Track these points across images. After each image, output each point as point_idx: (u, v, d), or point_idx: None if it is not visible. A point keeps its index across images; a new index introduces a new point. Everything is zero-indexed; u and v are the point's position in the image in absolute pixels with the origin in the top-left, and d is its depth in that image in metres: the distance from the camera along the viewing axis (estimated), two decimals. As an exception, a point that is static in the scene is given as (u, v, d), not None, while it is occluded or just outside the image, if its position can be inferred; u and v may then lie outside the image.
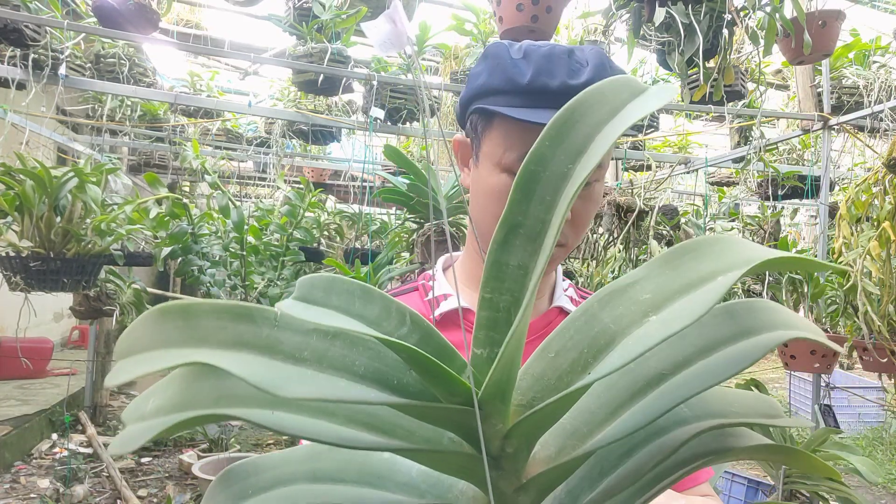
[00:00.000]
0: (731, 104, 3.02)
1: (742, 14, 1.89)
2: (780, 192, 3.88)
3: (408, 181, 2.33)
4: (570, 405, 0.34)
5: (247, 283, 2.43)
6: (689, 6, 1.79)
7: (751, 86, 3.62)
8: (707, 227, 3.79)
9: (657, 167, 4.34)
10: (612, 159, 4.47)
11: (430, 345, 0.33)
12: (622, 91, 0.35)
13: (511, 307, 0.34)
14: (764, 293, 2.75)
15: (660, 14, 1.77)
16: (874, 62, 3.75)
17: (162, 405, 0.31)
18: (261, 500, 0.34)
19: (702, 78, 1.97)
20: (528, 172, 0.34)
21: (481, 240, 0.80)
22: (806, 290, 2.66)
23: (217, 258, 2.47)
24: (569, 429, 0.35)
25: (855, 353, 2.67)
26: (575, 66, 0.71)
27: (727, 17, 1.82)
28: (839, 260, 2.34)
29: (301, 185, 2.86)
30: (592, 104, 0.34)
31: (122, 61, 3.83)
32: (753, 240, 3.26)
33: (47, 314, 5.99)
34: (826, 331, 2.65)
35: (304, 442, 0.41)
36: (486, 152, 0.76)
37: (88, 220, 2.27)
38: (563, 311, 0.85)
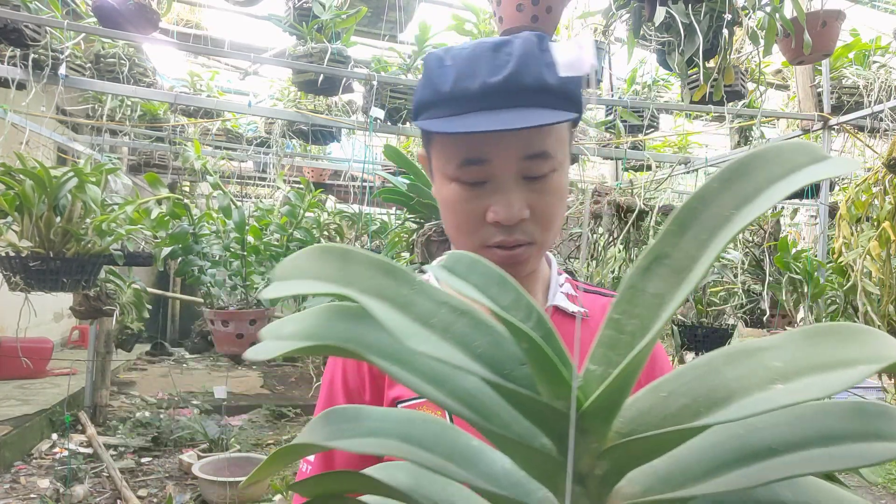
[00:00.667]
0: (731, 104, 3.02)
1: (742, 14, 1.89)
2: (780, 192, 3.87)
3: (408, 181, 2.33)
4: (673, 446, 0.33)
5: (247, 283, 2.43)
6: (689, 6, 1.79)
7: (751, 86, 3.62)
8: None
9: (657, 167, 4.34)
10: (612, 159, 4.47)
11: (549, 344, 0.34)
12: (801, 154, 0.35)
13: (636, 332, 0.35)
14: (764, 292, 2.76)
15: (660, 14, 1.77)
16: (874, 62, 3.75)
17: (298, 331, 0.35)
18: (356, 442, 0.37)
19: (702, 78, 1.97)
20: (688, 208, 0.34)
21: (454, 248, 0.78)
22: (806, 290, 2.66)
23: (217, 258, 2.47)
24: (661, 473, 0.35)
25: (866, 326, 2.66)
26: (500, 62, 0.68)
27: (727, 17, 1.82)
28: (839, 260, 2.34)
29: (301, 185, 2.86)
30: (770, 159, 0.35)
31: (122, 61, 3.83)
32: (753, 240, 3.26)
33: (47, 314, 5.99)
34: (826, 331, 2.64)
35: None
36: (436, 166, 0.76)
37: (88, 220, 2.27)
38: (558, 311, 0.82)
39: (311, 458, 0.82)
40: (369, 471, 0.38)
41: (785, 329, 2.77)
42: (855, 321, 2.53)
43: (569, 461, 0.32)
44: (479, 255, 0.36)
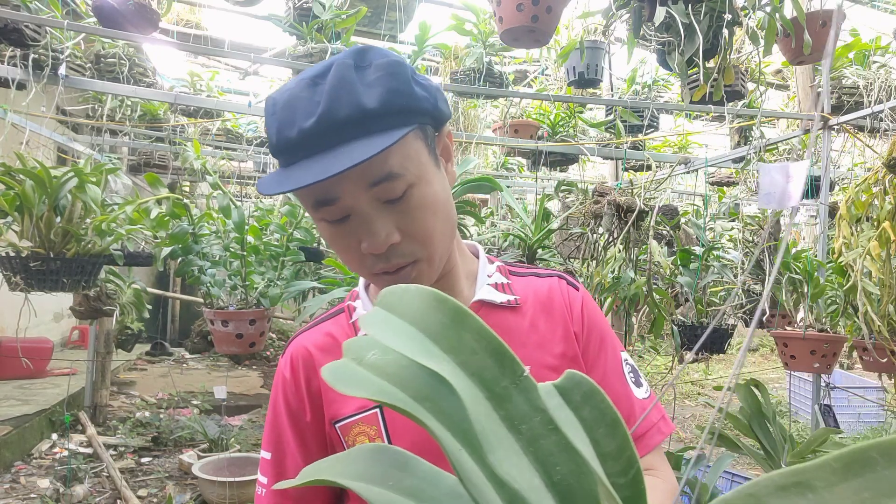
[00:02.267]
0: (731, 104, 3.02)
1: (742, 14, 1.89)
2: (780, 192, 3.87)
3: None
4: None
5: (247, 283, 2.43)
6: (689, 6, 1.79)
7: (751, 86, 3.62)
8: (707, 227, 3.79)
9: (657, 167, 4.34)
10: (612, 159, 4.47)
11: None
12: None
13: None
14: (764, 292, 2.75)
15: (660, 14, 1.77)
16: (874, 62, 3.75)
17: (379, 365, 0.33)
18: (395, 499, 0.34)
19: (702, 78, 1.97)
20: (864, 453, 0.25)
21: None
22: (806, 290, 2.66)
23: (217, 258, 2.46)
24: None
25: (855, 353, 2.67)
26: (314, 101, 0.64)
27: (727, 17, 1.82)
28: (839, 260, 2.34)
29: (301, 185, 2.86)
30: None
31: (122, 61, 3.83)
32: (753, 240, 3.26)
33: (47, 314, 5.99)
34: (826, 331, 2.64)
35: None
36: (298, 196, 0.72)
37: (88, 220, 2.27)
38: (485, 304, 0.80)
39: (265, 479, 0.81)
40: None
41: (785, 329, 2.77)
42: (855, 321, 2.53)
43: None
44: (598, 387, 0.32)
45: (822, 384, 3.13)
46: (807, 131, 3.31)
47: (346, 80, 0.64)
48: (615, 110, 3.97)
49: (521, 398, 0.32)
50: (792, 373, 4.89)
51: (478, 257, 0.87)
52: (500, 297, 0.81)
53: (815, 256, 2.88)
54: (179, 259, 2.42)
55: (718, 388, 5.08)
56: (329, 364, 0.32)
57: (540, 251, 2.58)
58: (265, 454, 0.82)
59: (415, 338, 0.32)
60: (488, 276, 0.84)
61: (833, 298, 2.75)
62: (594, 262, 2.53)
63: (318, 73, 0.66)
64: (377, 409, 0.76)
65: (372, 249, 0.68)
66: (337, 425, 0.78)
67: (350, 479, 0.34)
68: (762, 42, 1.93)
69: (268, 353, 7.54)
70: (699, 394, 7.22)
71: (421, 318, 0.33)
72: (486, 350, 0.32)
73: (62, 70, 2.94)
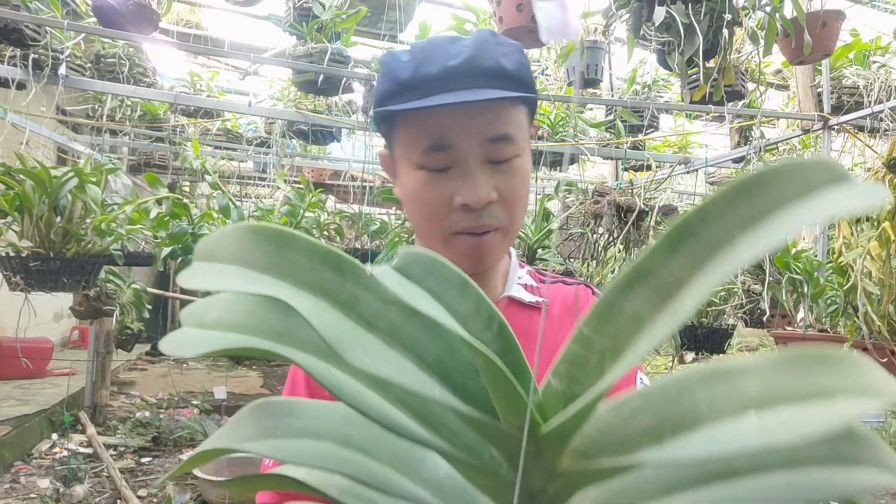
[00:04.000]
0: (731, 104, 3.02)
1: (742, 14, 1.89)
2: (780, 192, 3.87)
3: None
4: (629, 471, 0.31)
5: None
6: (689, 6, 1.79)
7: (751, 86, 3.62)
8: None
9: (657, 167, 4.34)
10: (612, 159, 4.47)
11: (508, 357, 0.32)
12: (821, 172, 0.29)
13: (606, 353, 0.31)
14: (764, 292, 2.75)
15: (660, 14, 1.77)
16: (874, 62, 3.75)
17: (223, 320, 0.31)
18: (287, 444, 0.33)
19: (702, 78, 1.97)
20: (684, 224, 0.30)
21: (420, 244, 0.78)
22: (806, 290, 2.66)
23: (217, 258, 2.46)
24: (615, 489, 0.32)
25: (855, 354, 2.65)
26: (456, 49, 0.70)
27: (727, 17, 1.81)
28: (839, 260, 2.34)
29: (301, 185, 2.86)
30: (784, 175, 0.29)
31: (122, 61, 3.83)
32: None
33: (47, 314, 5.99)
34: (826, 331, 2.64)
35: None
36: (399, 156, 0.76)
37: (88, 220, 2.27)
38: (513, 301, 0.82)
39: None
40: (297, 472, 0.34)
41: (785, 329, 2.77)
42: (855, 321, 2.53)
43: (517, 483, 0.29)
44: (439, 255, 0.33)
45: (822, 384, 3.12)
46: (807, 131, 3.31)
47: (487, 41, 0.71)
48: (615, 110, 3.97)
49: (369, 296, 0.31)
50: (792, 373, 4.87)
51: (510, 258, 0.89)
52: (528, 297, 0.83)
53: (815, 256, 2.88)
54: (179, 259, 2.42)
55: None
56: (167, 336, 0.30)
57: (540, 251, 2.58)
58: None
59: (242, 274, 0.30)
60: (519, 277, 0.86)
61: (833, 298, 2.75)
62: (594, 262, 2.53)
63: (455, 35, 0.73)
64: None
65: (470, 201, 0.70)
66: None
67: (241, 442, 0.33)
68: (762, 42, 1.93)
69: (268, 353, 7.54)
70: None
71: (242, 255, 0.31)
72: (321, 263, 0.31)
73: (62, 70, 2.94)
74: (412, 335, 0.31)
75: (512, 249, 0.91)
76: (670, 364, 3.57)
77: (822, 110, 3.26)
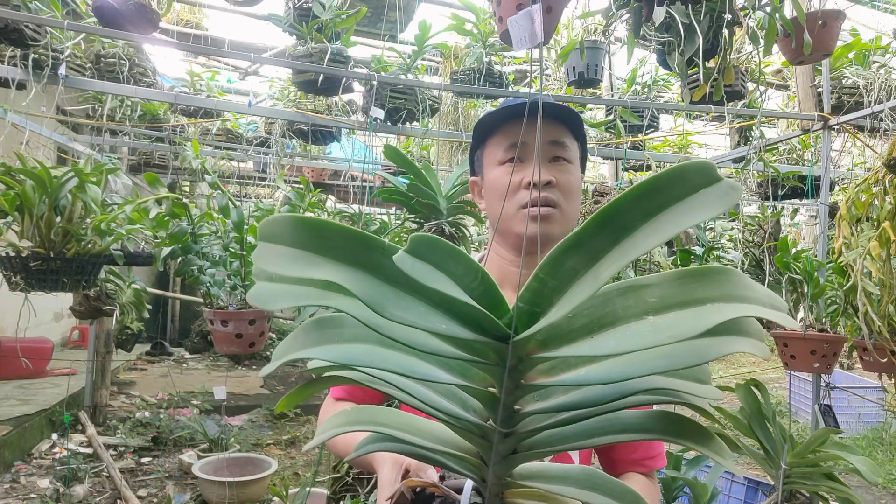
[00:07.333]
0: (731, 104, 3.02)
1: (742, 14, 1.89)
2: (780, 192, 3.88)
3: (407, 181, 2.32)
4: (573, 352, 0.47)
5: (247, 282, 2.43)
6: (689, 6, 1.79)
7: (751, 86, 3.61)
8: (707, 227, 3.78)
9: (657, 167, 4.34)
10: (612, 159, 4.47)
11: (488, 296, 0.46)
12: (698, 177, 0.43)
13: (555, 290, 0.46)
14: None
15: (660, 14, 1.76)
16: (874, 62, 3.74)
17: (283, 274, 0.44)
18: (340, 348, 0.48)
19: (702, 78, 1.97)
20: (608, 212, 0.44)
21: (498, 233, 1.02)
22: (806, 290, 2.66)
23: (217, 258, 2.46)
24: (559, 361, 0.50)
25: (855, 353, 2.66)
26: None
27: (727, 17, 1.81)
28: (839, 260, 2.34)
29: (301, 185, 2.86)
30: (674, 179, 0.43)
31: (122, 61, 3.83)
32: (753, 240, 3.26)
33: (47, 314, 5.99)
34: (826, 331, 2.64)
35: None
36: (485, 161, 1.03)
37: (88, 220, 2.27)
38: None
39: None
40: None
41: (785, 329, 2.77)
42: (855, 321, 2.53)
43: (508, 357, 0.47)
44: (437, 238, 0.44)
45: (822, 384, 3.13)
46: (806, 131, 3.31)
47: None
48: (615, 110, 3.96)
49: (390, 262, 0.42)
50: (792, 373, 4.89)
51: None
52: None
53: (815, 256, 2.88)
54: (179, 259, 2.42)
55: (720, 388, 5.06)
56: (251, 291, 0.44)
57: (540, 251, 2.57)
58: None
59: (294, 255, 0.44)
60: None
61: (833, 298, 2.75)
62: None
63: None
64: None
65: (535, 179, 0.94)
66: None
67: (303, 349, 0.48)
68: (762, 42, 1.93)
69: (268, 353, 7.54)
70: (699, 394, 7.20)
71: (291, 239, 0.44)
72: (352, 242, 0.44)
73: (62, 70, 2.94)
74: (421, 287, 0.43)
75: None
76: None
77: (821, 110, 3.26)
